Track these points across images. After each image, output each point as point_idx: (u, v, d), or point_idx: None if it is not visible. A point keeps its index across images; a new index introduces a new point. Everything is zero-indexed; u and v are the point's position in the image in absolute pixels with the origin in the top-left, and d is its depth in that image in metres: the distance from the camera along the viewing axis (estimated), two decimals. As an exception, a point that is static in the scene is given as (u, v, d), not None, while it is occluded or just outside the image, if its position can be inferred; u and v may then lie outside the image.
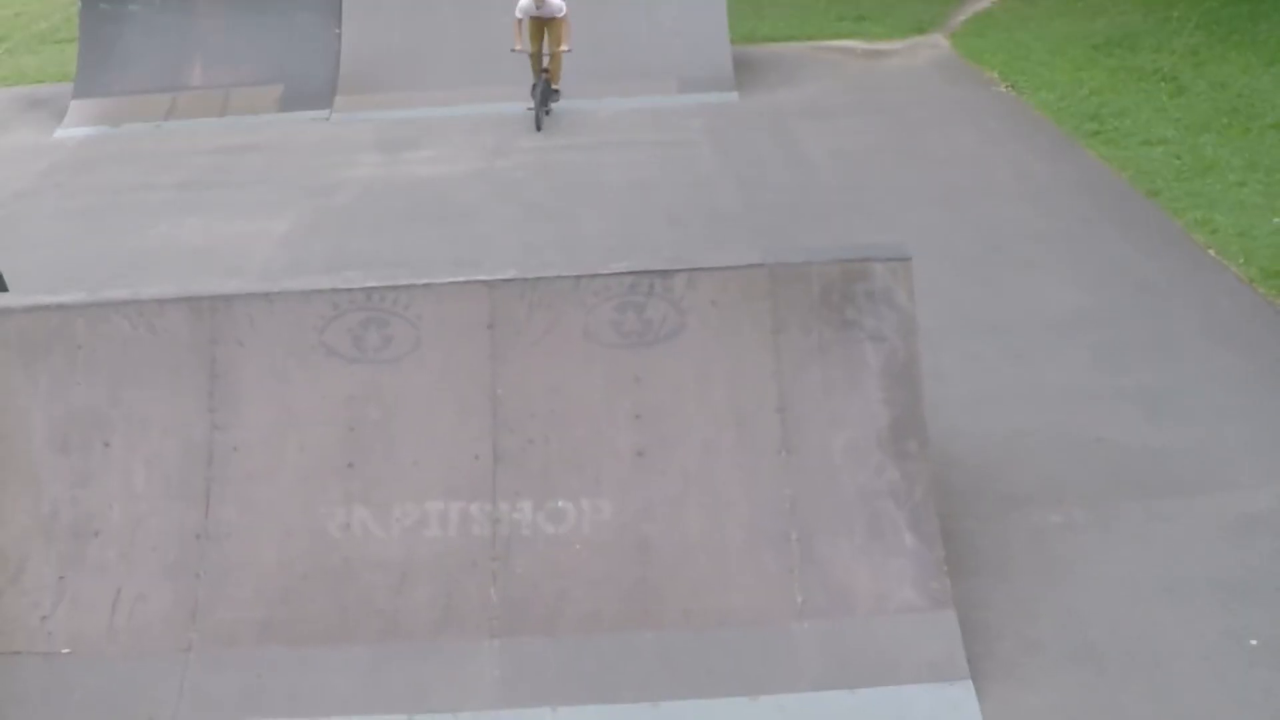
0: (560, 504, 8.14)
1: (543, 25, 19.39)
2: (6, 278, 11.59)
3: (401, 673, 7.85)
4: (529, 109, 19.70)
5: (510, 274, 8.53)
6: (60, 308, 8.56)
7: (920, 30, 24.30)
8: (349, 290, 8.53)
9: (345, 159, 18.72)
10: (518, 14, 19.21)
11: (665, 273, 8.46)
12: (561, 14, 19.16)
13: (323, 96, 21.42)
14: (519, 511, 8.14)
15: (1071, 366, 11.35)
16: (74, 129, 21.12)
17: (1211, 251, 13.53)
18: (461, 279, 8.53)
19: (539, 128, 19.44)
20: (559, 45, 19.29)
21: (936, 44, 23.67)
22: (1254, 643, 8.01)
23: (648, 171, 17.16)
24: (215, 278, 13.49)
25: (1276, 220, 14.02)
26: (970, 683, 7.69)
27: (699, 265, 8.49)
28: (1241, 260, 13.16)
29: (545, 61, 19.57)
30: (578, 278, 8.48)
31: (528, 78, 20.41)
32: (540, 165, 17.79)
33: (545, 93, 19.68)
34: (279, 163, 18.87)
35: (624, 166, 17.42)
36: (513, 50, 19.27)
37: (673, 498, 8.13)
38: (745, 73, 21.59)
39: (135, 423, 8.39)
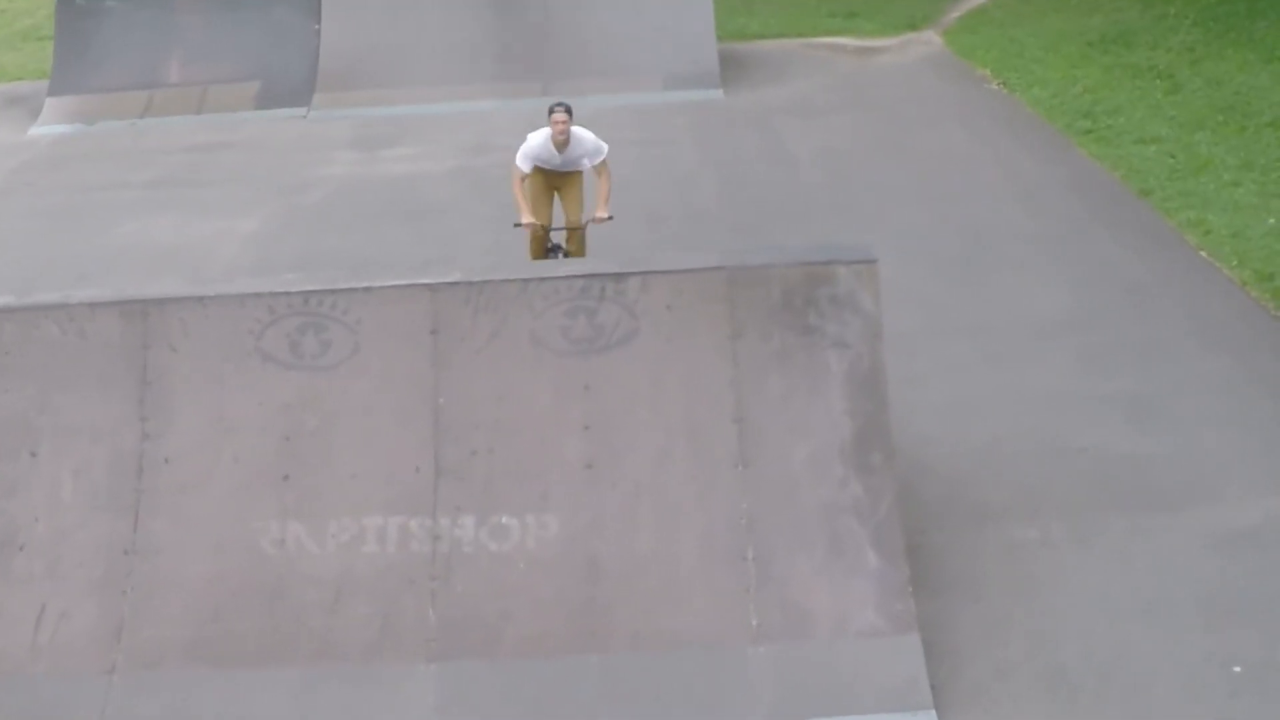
0: (504, 519, 7.90)
1: (559, 181, 12.53)
2: None
3: (334, 696, 7.55)
4: (516, 224, 15.34)
5: (454, 277, 8.25)
6: (-14, 312, 8.24)
7: (913, 27, 24.02)
8: (286, 294, 8.25)
9: (321, 157, 18.44)
10: (522, 163, 12.18)
11: (618, 275, 8.18)
12: (599, 158, 12.21)
13: (301, 94, 21.11)
14: (461, 527, 7.89)
15: (1054, 371, 11.08)
16: (48, 127, 20.84)
17: (1204, 253, 13.29)
18: (403, 282, 8.25)
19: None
20: (593, 211, 12.41)
21: (929, 41, 23.37)
22: (1238, 669, 7.66)
23: (627, 170, 16.09)
24: (176, 278, 13.14)
25: (1271, 221, 13.77)
26: (934, 713, 7.37)
27: (653, 268, 8.22)
28: (1234, 262, 12.91)
29: (558, 238, 12.53)
30: (525, 281, 8.20)
31: (507, 72, 20.27)
32: None
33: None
34: (253, 160, 18.61)
35: None
36: (516, 225, 12.39)
37: (623, 513, 7.89)
38: (732, 70, 21.27)
39: (63, 431, 8.12)
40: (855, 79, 21.24)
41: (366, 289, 8.22)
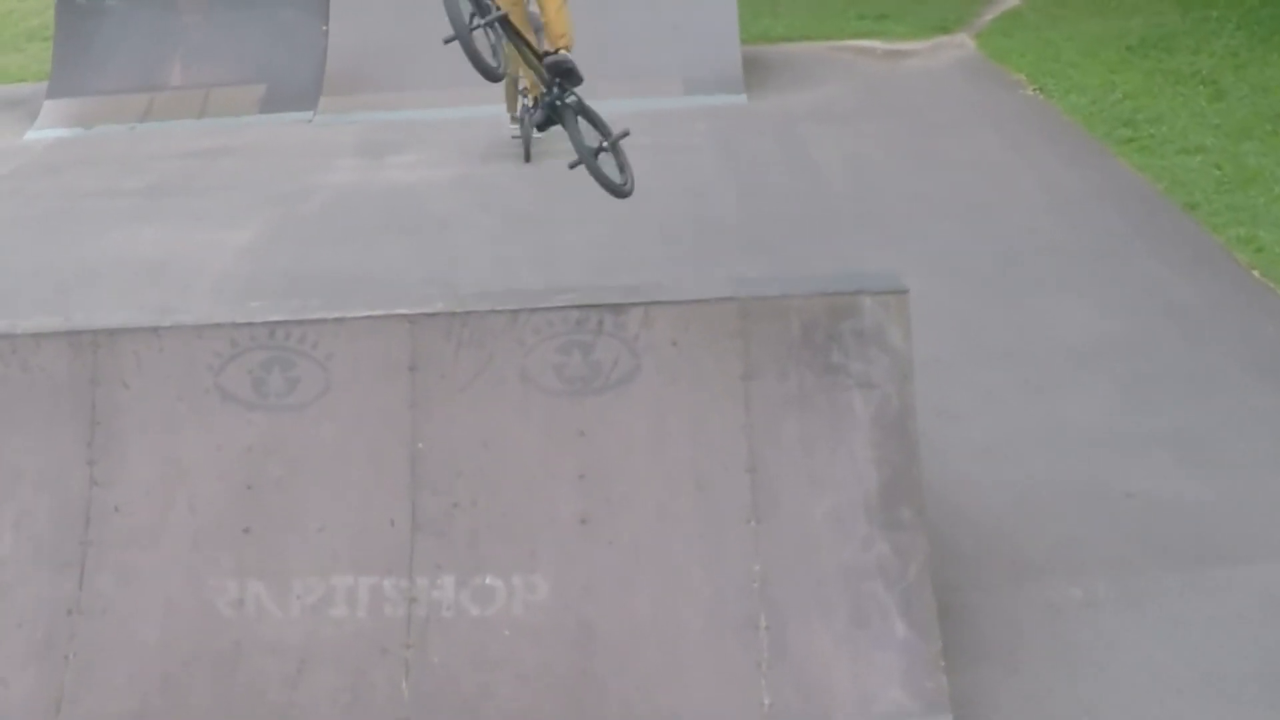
0: (488, 580, 7.29)
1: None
2: None
3: (294, 781, 6.86)
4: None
5: (436, 307, 7.62)
6: (-81, 343, 7.68)
7: (944, 30, 23.41)
8: (249, 325, 7.63)
9: (322, 163, 18.06)
10: None
11: (617, 306, 7.54)
12: None
13: (307, 97, 20.70)
14: (439, 589, 7.28)
15: (1096, 404, 10.40)
16: (45, 131, 20.53)
17: (1256, 272, 12.60)
18: (379, 313, 7.63)
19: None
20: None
21: (961, 44, 22.82)
22: (1311, 755, 6.84)
23: (644, 179, 15.50)
24: (154, 294, 12.62)
25: (1328, 240, 12.98)
26: (968, 806, 6.63)
27: (657, 298, 7.60)
28: (1289, 283, 12.16)
29: (522, 84, 12.21)
30: (515, 312, 7.56)
31: None
32: (527, 172, 17.12)
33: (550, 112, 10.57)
34: (253, 167, 18.27)
35: None
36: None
37: (621, 575, 7.26)
38: (756, 74, 20.78)
39: (4, 476, 7.54)
40: (884, 83, 20.80)
41: (338, 320, 7.60)
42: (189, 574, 7.34)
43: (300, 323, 7.57)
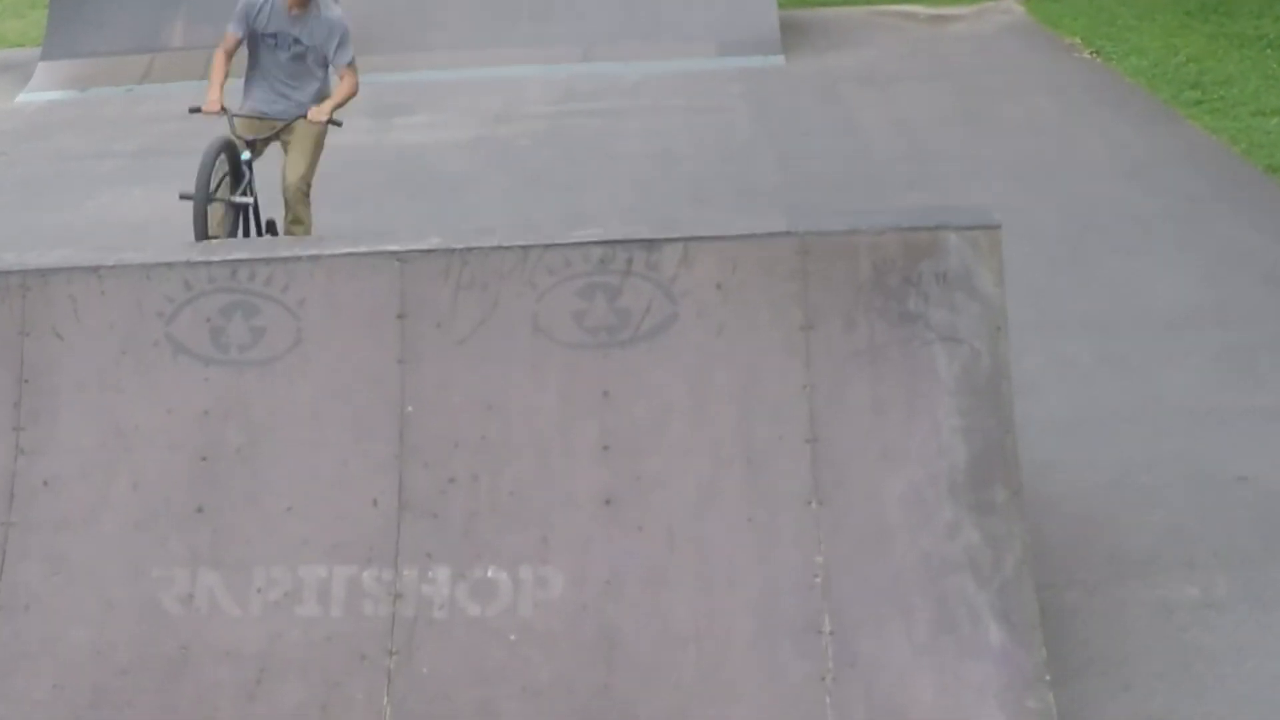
0: (490, 573, 6.46)
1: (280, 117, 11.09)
2: None
3: (250, 819, 6.08)
4: (182, 195, 10.94)
5: (431, 242, 6.80)
6: None
7: (990, -7, 23.29)
8: (206, 264, 6.80)
9: None
10: (233, 26, 10.94)
11: (649, 243, 6.68)
12: (346, 56, 11.24)
13: None
14: (431, 583, 6.46)
15: (1193, 377, 9.71)
16: (37, 94, 19.90)
17: None
18: (362, 249, 6.80)
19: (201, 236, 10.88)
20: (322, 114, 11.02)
21: (1009, 9, 22.44)
22: None
23: (674, 140, 15.94)
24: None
25: None
26: None
27: (698, 234, 6.77)
28: (1388, 248, 11.61)
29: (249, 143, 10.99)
30: (525, 248, 6.70)
31: (544, 35, 19.38)
32: (549, 132, 16.57)
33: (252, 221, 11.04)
34: None
35: (647, 134, 16.19)
36: (193, 110, 11.13)
37: (652, 568, 6.44)
38: (794, 37, 20.33)
39: None
40: (929, 47, 20.41)
41: (313, 258, 6.74)
42: (130, 563, 6.56)
43: (267, 261, 6.73)
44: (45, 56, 20.55)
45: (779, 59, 19.48)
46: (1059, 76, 18.26)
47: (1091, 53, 19.37)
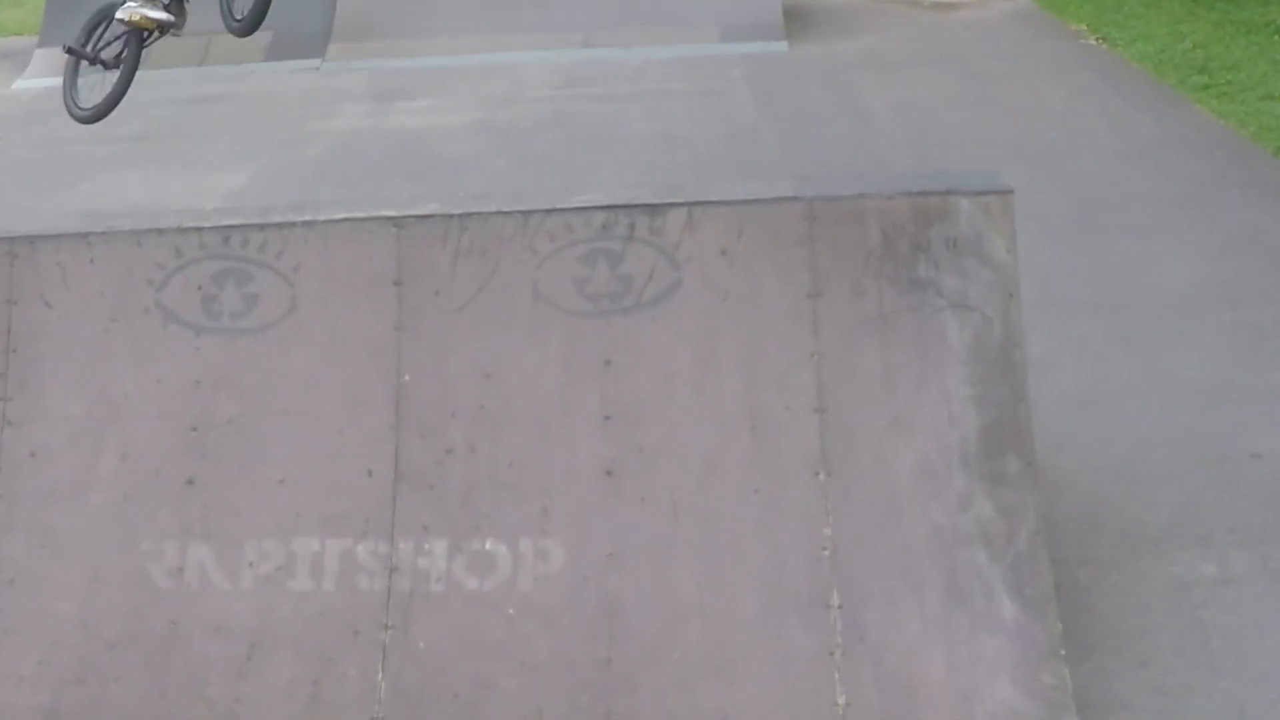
0: (489, 546, 6.34)
1: None
2: None
3: (240, 798, 5.93)
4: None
5: (429, 208, 6.63)
6: None
7: (994, -18, 23.06)
8: (198, 230, 6.67)
9: (329, 109, 17.55)
10: None
11: (652, 207, 6.56)
12: None
13: (315, 44, 19.90)
14: (428, 555, 6.35)
15: (1205, 355, 9.56)
16: (34, 80, 19.67)
17: None
18: (358, 215, 6.65)
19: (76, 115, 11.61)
20: None
21: None
22: None
23: (677, 124, 15.81)
24: None
25: None
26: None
27: (702, 198, 6.62)
28: (1401, 232, 11.41)
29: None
30: (526, 214, 6.56)
31: (545, 21, 19.19)
32: (551, 116, 16.45)
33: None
34: (253, 113, 17.83)
35: (650, 118, 16.07)
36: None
37: (655, 541, 6.31)
38: (797, 24, 20.14)
39: None
40: (934, 34, 20.23)
41: (307, 224, 6.60)
42: (119, 535, 6.45)
43: (261, 227, 6.60)
44: (43, 43, 20.32)
45: (782, 45, 19.31)
46: (1065, 62, 18.08)
47: (1097, 39, 19.18)
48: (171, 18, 9.92)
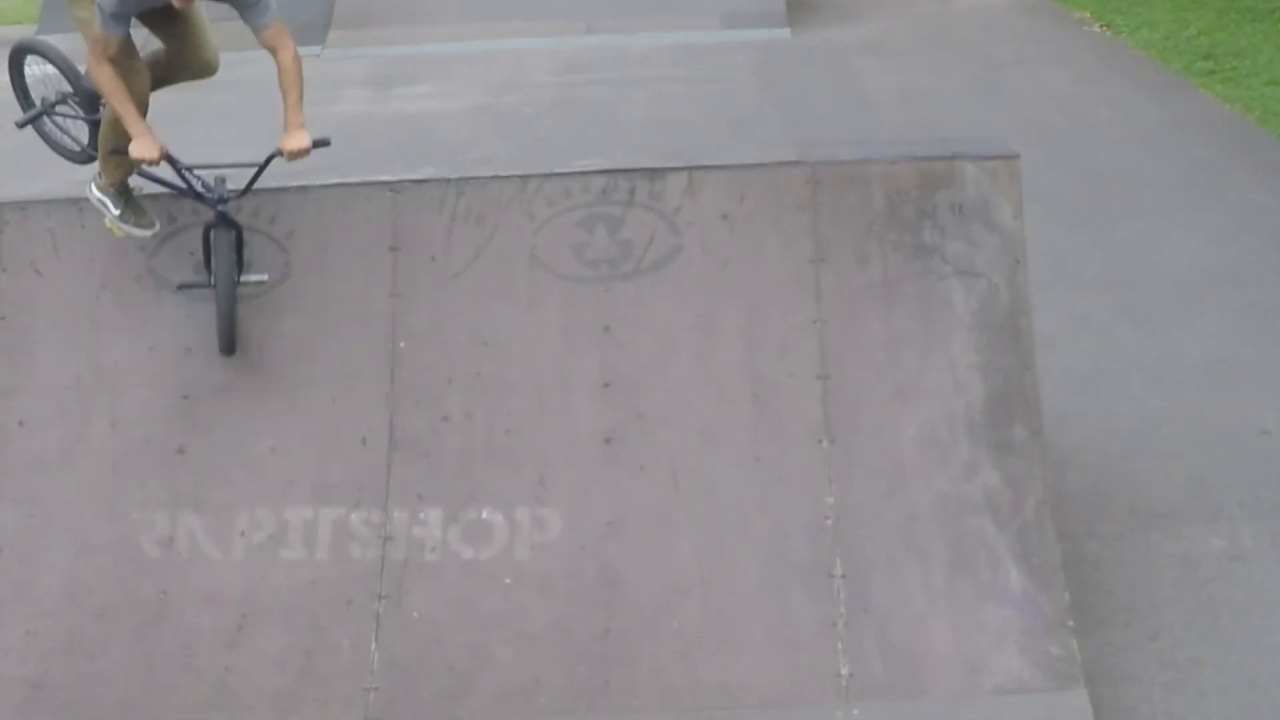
0: (485, 514, 6.28)
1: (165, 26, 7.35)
2: None
3: (228, 772, 5.88)
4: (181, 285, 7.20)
5: (425, 173, 6.60)
6: None
7: (998, -29, 22.86)
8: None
9: (327, 95, 17.08)
10: (109, 24, 6.55)
11: (652, 171, 6.51)
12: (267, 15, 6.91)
13: (314, 31, 19.67)
14: (422, 525, 6.31)
15: (1212, 334, 9.58)
16: (31, 68, 19.22)
17: None
18: (353, 180, 6.61)
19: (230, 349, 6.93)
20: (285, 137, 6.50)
21: None
22: None
23: (678, 109, 15.63)
24: None
25: None
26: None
27: (703, 162, 6.55)
28: (1405, 214, 11.39)
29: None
30: (524, 178, 6.53)
31: (547, 8, 18.91)
32: (552, 102, 16.28)
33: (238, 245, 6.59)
34: (247, 99, 17.14)
35: (651, 103, 15.80)
36: (114, 153, 6.74)
37: (654, 509, 6.23)
38: (800, 11, 20.02)
39: None
40: (937, 21, 20.13)
41: (302, 189, 6.57)
42: (108, 505, 6.39)
43: (254, 193, 6.49)
44: (41, 32, 19.75)
45: (784, 32, 19.18)
46: (1069, 49, 18.00)
47: (1102, 26, 19.08)
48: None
